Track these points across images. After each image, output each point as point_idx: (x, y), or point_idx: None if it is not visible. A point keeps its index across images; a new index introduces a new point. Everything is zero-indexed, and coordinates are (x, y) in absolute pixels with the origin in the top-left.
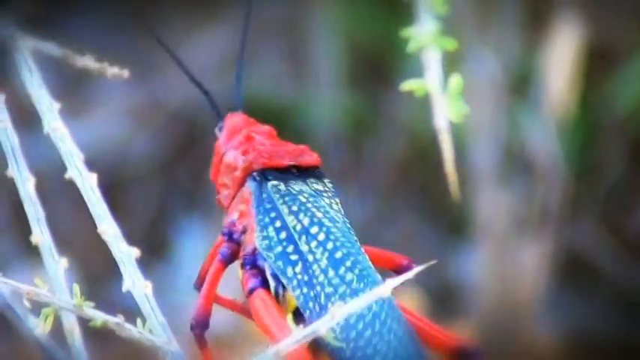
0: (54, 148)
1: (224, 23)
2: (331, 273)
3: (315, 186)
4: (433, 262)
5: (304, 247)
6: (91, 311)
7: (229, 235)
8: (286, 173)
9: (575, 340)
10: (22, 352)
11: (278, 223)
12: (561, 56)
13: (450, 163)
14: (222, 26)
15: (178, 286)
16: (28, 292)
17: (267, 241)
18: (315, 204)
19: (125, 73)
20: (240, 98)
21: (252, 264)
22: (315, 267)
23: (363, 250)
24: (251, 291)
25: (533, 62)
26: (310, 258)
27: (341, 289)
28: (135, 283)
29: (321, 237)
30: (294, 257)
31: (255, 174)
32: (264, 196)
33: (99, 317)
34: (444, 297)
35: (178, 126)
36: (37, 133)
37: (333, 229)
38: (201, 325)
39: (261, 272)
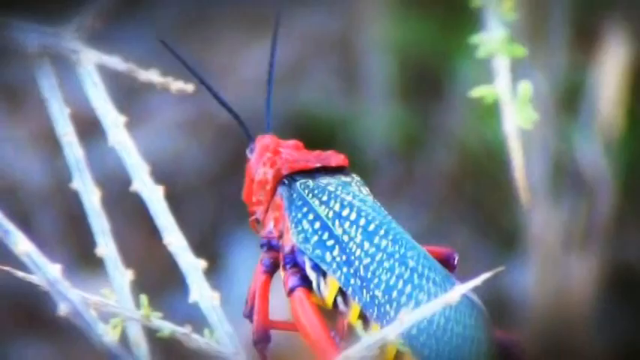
0: (102, 161)
1: (278, 37)
2: (366, 245)
3: (343, 178)
4: (500, 269)
5: (338, 231)
6: (158, 322)
7: (268, 245)
8: (314, 173)
9: (625, 352)
10: None
11: (311, 216)
12: (610, 72)
13: (519, 169)
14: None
15: (230, 299)
16: (95, 303)
17: (302, 235)
18: (344, 190)
19: (190, 87)
20: (270, 120)
21: (292, 262)
22: (351, 245)
23: (395, 221)
24: (291, 290)
25: (583, 78)
26: (345, 238)
27: (378, 257)
28: (202, 294)
29: (353, 216)
30: (330, 242)
31: (284, 180)
32: (294, 195)
33: (166, 328)
34: (496, 310)
35: (229, 139)
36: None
37: (364, 207)
38: (262, 339)
39: (300, 270)
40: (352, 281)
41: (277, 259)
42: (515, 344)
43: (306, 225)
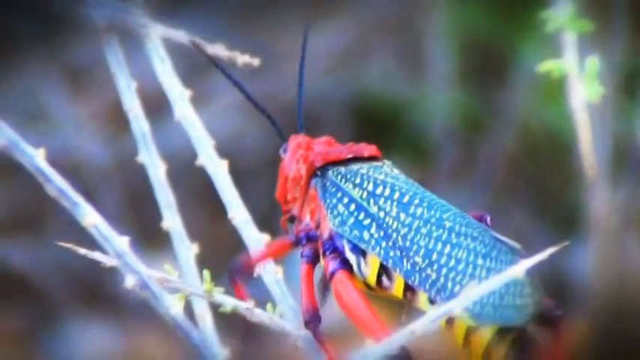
0: (168, 137)
1: (341, 21)
2: (402, 216)
3: (374, 163)
4: (565, 243)
5: (374, 209)
6: (221, 297)
7: (307, 237)
8: (346, 162)
9: None
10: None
11: (345, 199)
12: None
13: (586, 143)
14: (339, 23)
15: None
16: (159, 279)
17: (339, 218)
18: (376, 171)
19: (255, 61)
20: (302, 121)
21: (332, 248)
22: (387, 219)
23: (428, 191)
24: (332, 273)
25: None
26: (381, 214)
27: (414, 225)
28: (265, 268)
29: (387, 192)
30: (366, 222)
31: (317, 172)
32: (328, 184)
33: (229, 303)
34: (555, 292)
35: (290, 120)
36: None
37: (397, 183)
38: (313, 319)
39: (340, 254)
40: (392, 253)
41: (317, 249)
42: (555, 309)
43: (341, 209)
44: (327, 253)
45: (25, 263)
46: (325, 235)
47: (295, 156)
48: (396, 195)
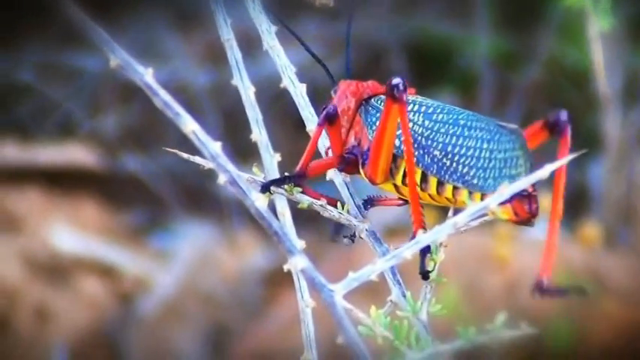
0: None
1: None
2: (427, 123)
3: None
4: (584, 150)
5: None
6: (299, 195)
7: (351, 153)
8: None
9: None
10: None
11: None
12: None
13: (600, 71)
14: None
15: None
16: (247, 178)
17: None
18: (408, 96)
19: (330, 2)
20: (349, 68)
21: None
22: (415, 127)
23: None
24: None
25: None
26: (411, 125)
27: (435, 127)
28: (336, 172)
29: (416, 108)
30: (397, 132)
31: (363, 102)
32: (370, 108)
33: (305, 200)
34: (574, 200)
35: (363, 55)
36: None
37: (424, 102)
38: (302, 176)
39: None
40: (415, 153)
41: (355, 163)
42: (561, 118)
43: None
44: (365, 161)
45: (139, 169)
46: (365, 147)
47: (345, 93)
48: (423, 108)
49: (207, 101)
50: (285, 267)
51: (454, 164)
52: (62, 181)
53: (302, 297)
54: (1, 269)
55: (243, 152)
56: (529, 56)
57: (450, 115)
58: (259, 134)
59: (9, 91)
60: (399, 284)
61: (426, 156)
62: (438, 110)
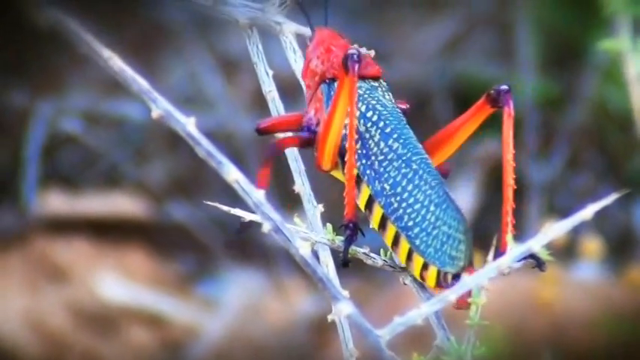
0: None
1: (445, 16)
2: (382, 144)
3: (372, 83)
4: (626, 191)
5: (362, 128)
6: (341, 243)
7: (308, 128)
8: None
9: None
10: None
11: None
12: None
13: (638, 107)
14: (443, 18)
15: None
16: (289, 228)
17: None
18: (371, 94)
19: (372, 52)
20: (327, 15)
21: None
22: (370, 142)
23: (407, 127)
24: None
25: None
26: (367, 136)
27: (389, 156)
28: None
29: (375, 118)
30: (355, 137)
31: (326, 80)
32: (332, 93)
33: (351, 250)
34: (620, 243)
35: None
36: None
37: (384, 112)
38: (276, 151)
39: None
40: (368, 172)
41: (312, 140)
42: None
43: None
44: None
45: (185, 218)
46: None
47: (317, 51)
48: (381, 124)
49: (251, 149)
50: (330, 317)
51: (401, 210)
52: (109, 231)
53: (346, 347)
54: (49, 320)
55: (288, 199)
56: (573, 98)
57: (405, 151)
58: (302, 185)
59: (53, 141)
60: (444, 328)
61: (377, 182)
62: (395, 135)
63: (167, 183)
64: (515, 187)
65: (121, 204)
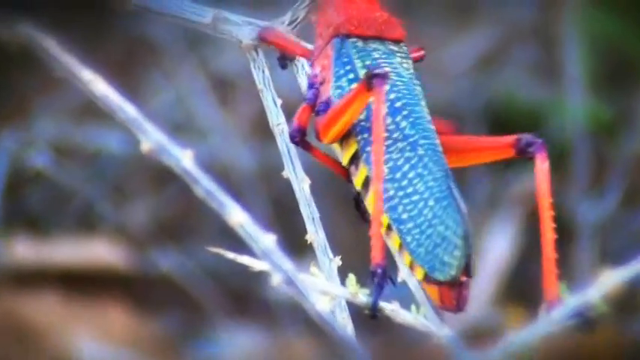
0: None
1: (479, 28)
2: (389, 120)
3: (391, 47)
4: None
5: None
6: (365, 298)
7: (312, 85)
8: (367, 38)
9: None
10: None
11: (351, 75)
12: None
13: None
14: (477, 30)
15: None
16: (303, 280)
17: (339, 91)
18: (387, 60)
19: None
20: None
21: (325, 111)
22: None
23: (424, 104)
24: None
25: None
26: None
27: (395, 134)
28: (408, 272)
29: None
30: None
31: (339, 35)
32: (343, 50)
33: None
34: None
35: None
36: None
37: (398, 82)
38: (298, 132)
39: None
40: (368, 148)
41: (317, 96)
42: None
43: (344, 83)
44: (321, 113)
45: (173, 268)
46: (324, 97)
47: (330, 6)
48: (392, 95)
49: (251, 183)
50: None
51: (396, 199)
52: (84, 284)
53: None
54: None
55: (296, 242)
56: (629, 123)
57: (413, 132)
58: (316, 234)
59: (18, 177)
60: None
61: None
62: (405, 112)
63: (151, 226)
64: (557, 236)
65: (98, 251)
